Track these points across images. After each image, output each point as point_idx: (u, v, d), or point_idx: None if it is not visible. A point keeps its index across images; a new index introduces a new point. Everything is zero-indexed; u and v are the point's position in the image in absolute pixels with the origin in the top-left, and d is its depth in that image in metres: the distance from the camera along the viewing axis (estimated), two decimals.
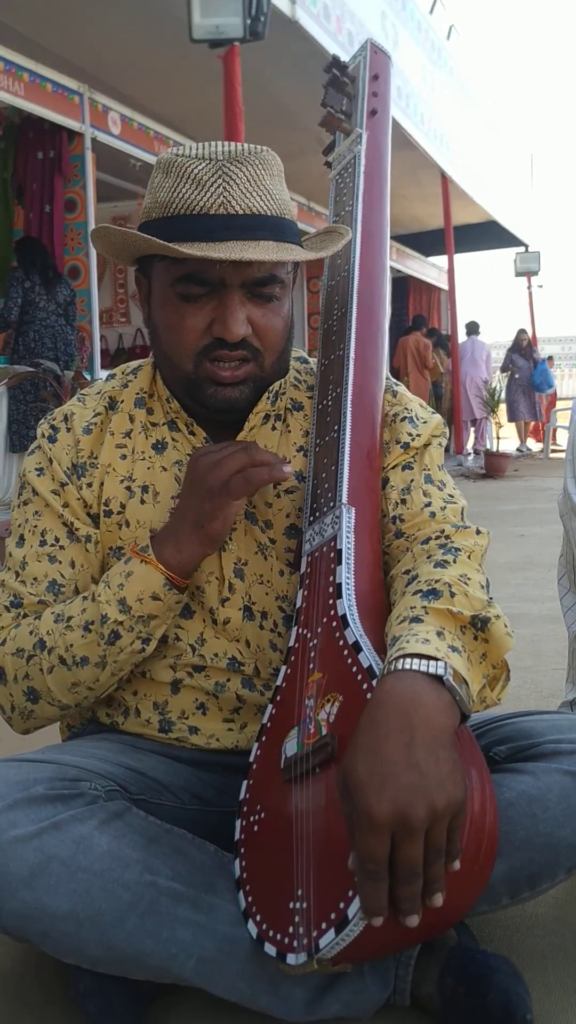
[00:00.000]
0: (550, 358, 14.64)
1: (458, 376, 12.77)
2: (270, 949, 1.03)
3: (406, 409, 1.35)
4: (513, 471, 10.93)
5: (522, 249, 16.19)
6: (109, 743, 1.30)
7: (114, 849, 1.09)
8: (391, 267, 13.76)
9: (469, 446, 12.75)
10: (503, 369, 13.83)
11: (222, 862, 1.16)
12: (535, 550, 4.79)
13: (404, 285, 15.26)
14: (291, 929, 1.01)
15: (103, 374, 6.83)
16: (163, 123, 8.14)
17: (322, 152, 1.59)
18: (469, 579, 1.16)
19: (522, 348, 13.73)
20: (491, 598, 1.17)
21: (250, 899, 1.09)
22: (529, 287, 16.33)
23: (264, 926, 1.05)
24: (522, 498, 8.01)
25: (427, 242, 14.50)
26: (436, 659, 1.01)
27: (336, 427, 1.28)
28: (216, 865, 1.15)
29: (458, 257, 13.62)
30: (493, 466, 10.75)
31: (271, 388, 1.31)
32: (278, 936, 1.03)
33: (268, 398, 1.31)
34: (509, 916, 1.41)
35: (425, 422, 1.35)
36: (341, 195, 1.49)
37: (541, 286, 16.51)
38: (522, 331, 13.93)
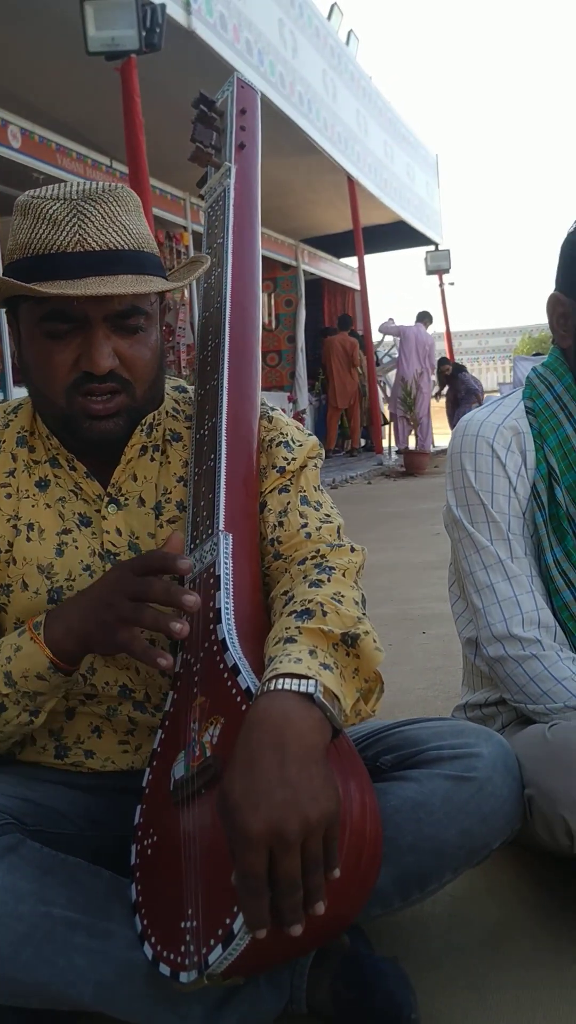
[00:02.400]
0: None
1: (373, 376, 12.89)
2: (164, 969, 1.06)
3: (281, 434, 1.40)
4: (433, 467, 11.11)
5: (432, 248, 16.45)
6: (5, 776, 1.32)
7: (7, 883, 1.11)
8: (305, 270, 13.88)
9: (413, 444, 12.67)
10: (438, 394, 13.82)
11: (117, 888, 1.18)
12: (450, 549, 4.88)
13: (319, 287, 15.40)
14: (183, 948, 1.05)
15: (17, 391, 6.78)
16: (65, 135, 8.11)
17: (196, 184, 1.63)
18: (343, 597, 1.20)
19: (447, 376, 13.75)
20: (364, 614, 1.22)
21: (145, 922, 1.12)
22: (441, 284, 16.60)
23: (159, 947, 1.08)
24: (440, 496, 8.13)
25: (339, 244, 14.66)
26: (307, 677, 1.06)
27: (213, 455, 1.31)
28: (111, 891, 1.18)
29: (370, 257, 13.79)
30: (413, 464, 10.93)
31: (144, 420, 1.34)
32: (171, 956, 1.06)
33: (142, 430, 1.34)
34: (406, 917, 1.46)
35: (301, 445, 1.39)
36: (213, 227, 1.53)
37: (452, 283, 16.78)
38: (443, 360, 13.92)
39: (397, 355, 13.02)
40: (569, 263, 1.55)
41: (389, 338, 13.65)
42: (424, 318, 13.20)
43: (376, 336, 13.46)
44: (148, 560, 1.20)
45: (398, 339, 13.04)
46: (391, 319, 13.03)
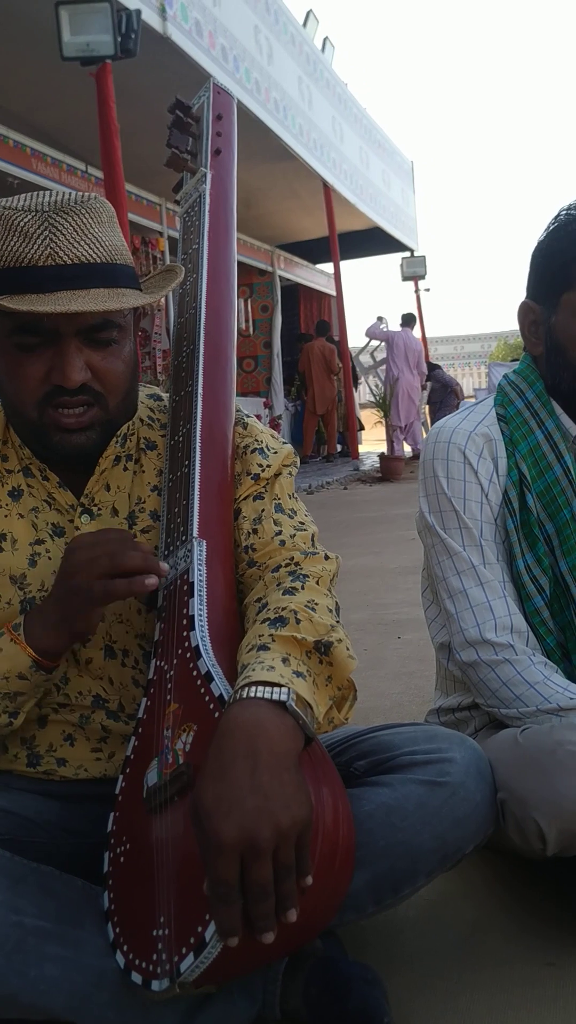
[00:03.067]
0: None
1: (349, 381, 12.89)
2: (136, 978, 1.06)
3: (256, 440, 1.40)
4: (409, 472, 11.14)
5: (408, 254, 16.52)
6: None
7: None
8: (281, 276, 13.85)
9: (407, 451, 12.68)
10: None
11: (90, 896, 1.18)
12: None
13: (295, 293, 15.42)
14: (155, 956, 1.04)
15: None
16: (40, 140, 8.08)
17: (172, 190, 1.64)
18: (316, 604, 1.21)
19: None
20: (338, 622, 1.22)
21: (118, 930, 1.11)
22: (416, 290, 16.67)
23: (131, 956, 1.08)
24: (415, 501, 8.17)
25: (315, 250, 14.70)
26: (280, 685, 1.06)
27: (187, 462, 1.32)
28: (83, 900, 1.17)
29: (346, 263, 13.81)
30: (388, 469, 10.95)
31: (119, 431, 1.34)
32: (143, 964, 1.06)
33: (117, 441, 1.34)
34: (381, 920, 1.46)
35: (275, 452, 1.40)
36: (188, 233, 1.53)
37: (428, 289, 16.87)
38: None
39: (382, 356, 12.89)
40: (538, 270, 1.57)
41: (374, 342, 13.56)
42: (410, 321, 13.10)
43: (351, 340, 13.44)
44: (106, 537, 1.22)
45: (382, 343, 12.96)
46: (380, 319, 12.92)
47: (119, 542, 1.20)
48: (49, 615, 1.22)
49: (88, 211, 1.22)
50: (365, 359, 14.12)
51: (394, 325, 12.96)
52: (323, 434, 13.84)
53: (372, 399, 12.78)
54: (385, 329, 12.79)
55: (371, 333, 12.92)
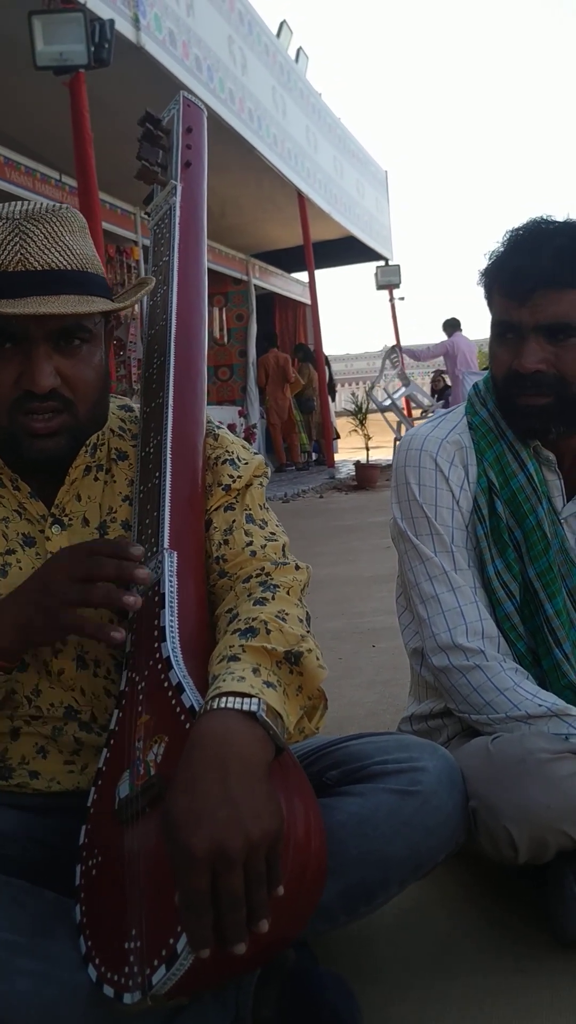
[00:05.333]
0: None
1: (325, 390, 12.91)
2: (108, 991, 1.05)
3: (227, 452, 1.41)
4: (384, 480, 11.18)
5: (382, 263, 16.59)
6: None
7: None
8: (256, 285, 13.77)
9: None
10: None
11: (61, 909, 1.17)
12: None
13: (270, 302, 15.45)
14: (127, 969, 1.04)
15: None
16: (14, 149, 8.06)
17: (143, 202, 1.64)
18: (287, 615, 1.21)
19: (437, 390, 13.56)
20: (308, 632, 1.22)
21: (90, 943, 1.11)
22: (391, 299, 16.73)
23: (103, 968, 1.07)
24: (390, 510, 8.19)
25: (290, 259, 14.73)
26: (250, 696, 1.07)
27: (157, 474, 1.32)
28: (55, 912, 1.17)
29: (321, 272, 13.82)
30: (364, 477, 10.98)
31: (89, 440, 1.34)
32: (115, 977, 1.05)
33: (87, 450, 1.34)
34: (353, 929, 1.46)
35: (246, 463, 1.40)
36: (159, 245, 1.54)
37: (402, 298, 16.91)
38: (438, 373, 13.69)
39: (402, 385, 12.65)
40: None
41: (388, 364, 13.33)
42: (457, 325, 12.70)
43: (328, 348, 13.42)
44: (96, 547, 1.19)
45: (398, 364, 12.82)
46: (392, 352, 12.67)
47: (97, 549, 1.18)
48: (10, 616, 1.18)
49: (59, 220, 1.23)
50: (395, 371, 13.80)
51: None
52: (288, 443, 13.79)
53: (350, 408, 12.79)
54: (440, 344, 12.62)
55: (432, 352, 12.75)
